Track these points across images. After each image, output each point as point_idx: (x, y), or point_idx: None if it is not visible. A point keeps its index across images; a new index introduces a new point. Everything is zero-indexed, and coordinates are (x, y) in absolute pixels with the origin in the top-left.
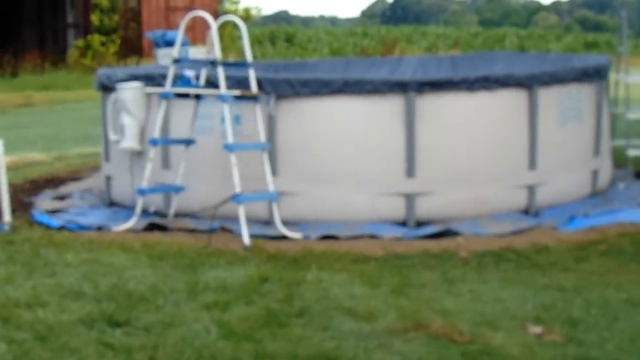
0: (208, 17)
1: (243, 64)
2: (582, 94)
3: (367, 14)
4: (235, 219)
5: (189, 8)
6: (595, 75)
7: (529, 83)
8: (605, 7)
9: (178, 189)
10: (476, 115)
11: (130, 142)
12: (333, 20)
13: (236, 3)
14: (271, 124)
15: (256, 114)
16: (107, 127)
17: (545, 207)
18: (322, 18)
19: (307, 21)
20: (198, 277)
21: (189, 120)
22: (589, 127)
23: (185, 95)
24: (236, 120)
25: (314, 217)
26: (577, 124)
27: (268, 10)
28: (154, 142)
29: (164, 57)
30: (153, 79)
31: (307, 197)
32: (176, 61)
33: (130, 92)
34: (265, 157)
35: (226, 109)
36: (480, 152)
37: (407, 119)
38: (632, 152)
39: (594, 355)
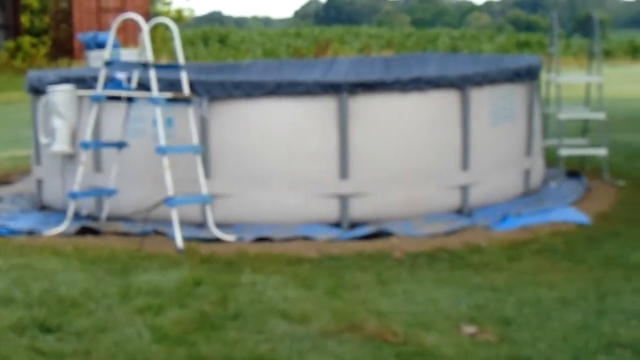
0: (139, 19)
1: (175, 66)
2: (514, 95)
3: (301, 15)
4: (168, 222)
5: (121, 9)
6: (527, 75)
7: (461, 84)
8: (537, 7)
9: (110, 192)
10: (409, 116)
11: (61, 145)
12: (266, 21)
13: (168, 4)
14: (204, 126)
15: (189, 116)
16: (37, 130)
17: (478, 207)
18: (255, 19)
19: (240, 22)
20: (131, 281)
21: (121, 123)
22: (521, 127)
23: (117, 98)
24: (168, 122)
25: (247, 219)
26: (510, 124)
27: (201, 11)
28: (85, 145)
29: (96, 59)
30: (84, 82)
31: (241, 199)
32: (108, 63)
33: (61, 95)
34: (198, 160)
35: (158, 112)
36: (413, 153)
37: (340, 121)
38: (563, 152)
39: (526, 355)
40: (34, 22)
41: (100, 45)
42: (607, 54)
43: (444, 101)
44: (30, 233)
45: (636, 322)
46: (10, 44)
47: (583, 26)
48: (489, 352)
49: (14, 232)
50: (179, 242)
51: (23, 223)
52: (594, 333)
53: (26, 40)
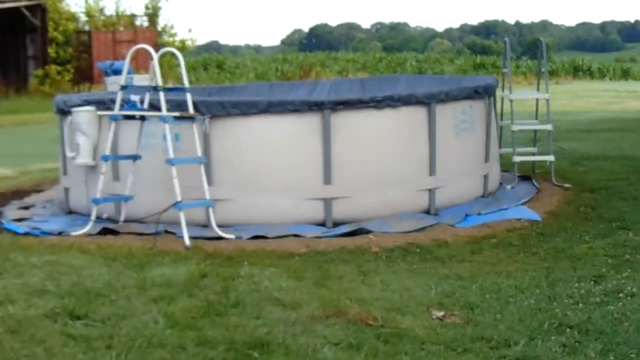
0: (150, 49)
1: (181, 89)
2: (473, 109)
3: (287, 42)
4: (177, 223)
5: (133, 41)
6: (485, 92)
7: (427, 101)
8: (490, 33)
9: (127, 198)
10: (383, 130)
11: (84, 158)
12: (257, 48)
13: (173, 35)
14: (206, 140)
15: (193, 132)
16: (64, 146)
17: (444, 207)
18: (247, 46)
19: (234, 49)
20: (146, 275)
21: (136, 138)
22: (480, 137)
23: (131, 117)
24: (176, 137)
25: (245, 220)
26: (470, 135)
27: (201, 40)
28: (105, 158)
29: (112, 84)
30: (104, 103)
31: (239, 203)
32: (123, 87)
33: (84, 115)
34: (202, 170)
35: (167, 128)
36: (387, 161)
37: (323, 134)
38: (516, 158)
39: (489, 335)
40: (60, 53)
41: (116, 72)
42: (551, 73)
43: (413, 116)
44: (60, 234)
45: (582, 306)
46: (40, 72)
47: (532, 49)
48: (456, 332)
49: (45, 233)
50: (187, 241)
51: (53, 225)
52: (546, 315)
53: (53, 68)
